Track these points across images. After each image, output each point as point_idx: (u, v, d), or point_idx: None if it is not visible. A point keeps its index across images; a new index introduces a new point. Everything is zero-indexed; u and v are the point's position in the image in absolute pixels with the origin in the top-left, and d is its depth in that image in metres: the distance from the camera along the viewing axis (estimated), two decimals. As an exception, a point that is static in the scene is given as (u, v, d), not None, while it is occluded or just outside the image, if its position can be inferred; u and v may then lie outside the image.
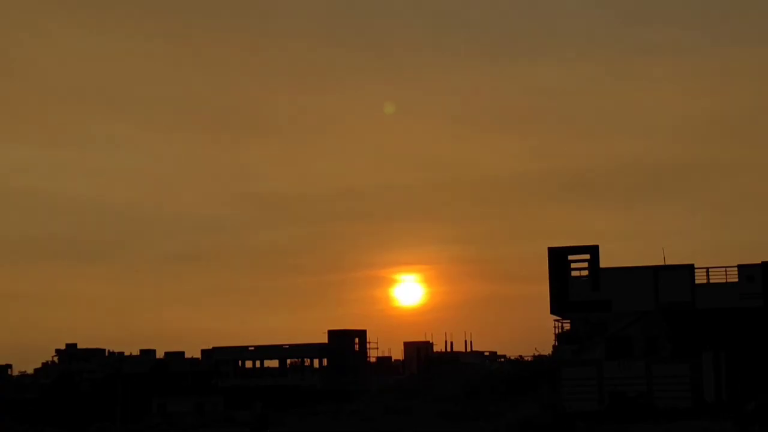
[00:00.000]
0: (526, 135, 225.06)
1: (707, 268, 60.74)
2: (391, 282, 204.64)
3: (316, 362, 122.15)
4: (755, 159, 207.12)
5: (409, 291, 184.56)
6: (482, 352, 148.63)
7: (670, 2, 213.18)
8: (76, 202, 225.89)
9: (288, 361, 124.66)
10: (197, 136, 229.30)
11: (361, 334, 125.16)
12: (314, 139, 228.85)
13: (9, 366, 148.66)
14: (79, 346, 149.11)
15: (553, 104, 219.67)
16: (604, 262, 61.72)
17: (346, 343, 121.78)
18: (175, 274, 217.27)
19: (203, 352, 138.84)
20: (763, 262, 59.88)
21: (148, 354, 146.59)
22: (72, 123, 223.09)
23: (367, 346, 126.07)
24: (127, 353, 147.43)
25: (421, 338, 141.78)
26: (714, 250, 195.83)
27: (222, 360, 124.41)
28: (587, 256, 61.86)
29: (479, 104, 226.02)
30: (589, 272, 61.62)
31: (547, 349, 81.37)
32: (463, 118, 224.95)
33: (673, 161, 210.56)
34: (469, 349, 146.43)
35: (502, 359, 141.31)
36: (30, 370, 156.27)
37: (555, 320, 66.61)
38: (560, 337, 68.21)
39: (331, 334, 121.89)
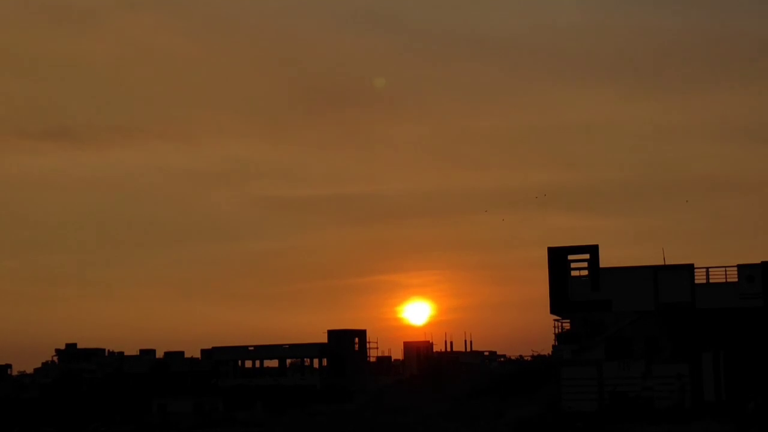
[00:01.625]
0: (527, 146, 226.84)
1: (707, 268, 60.69)
2: (394, 286, 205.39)
3: (315, 362, 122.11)
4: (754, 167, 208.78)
5: (415, 302, 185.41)
6: (482, 352, 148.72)
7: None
8: (82, 203, 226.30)
9: (288, 360, 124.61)
10: (204, 140, 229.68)
11: (361, 333, 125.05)
12: (325, 145, 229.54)
13: (9, 366, 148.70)
14: (79, 346, 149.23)
15: (552, 118, 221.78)
16: (604, 263, 61.72)
17: (345, 343, 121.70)
18: (189, 277, 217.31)
19: (203, 352, 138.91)
20: (763, 262, 59.83)
21: (148, 354, 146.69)
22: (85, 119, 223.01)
23: (367, 345, 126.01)
24: (127, 353, 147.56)
25: (421, 338, 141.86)
26: (714, 250, 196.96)
27: (222, 360, 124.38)
28: (587, 256, 61.80)
29: (486, 118, 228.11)
30: (589, 272, 61.56)
31: (546, 349, 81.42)
32: (470, 131, 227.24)
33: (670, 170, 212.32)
34: (469, 349, 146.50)
35: (502, 359, 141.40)
36: (30, 370, 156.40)
37: (555, 320, 66.63)
38: (560, 337, 68.23)
39: (331, 333, 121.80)
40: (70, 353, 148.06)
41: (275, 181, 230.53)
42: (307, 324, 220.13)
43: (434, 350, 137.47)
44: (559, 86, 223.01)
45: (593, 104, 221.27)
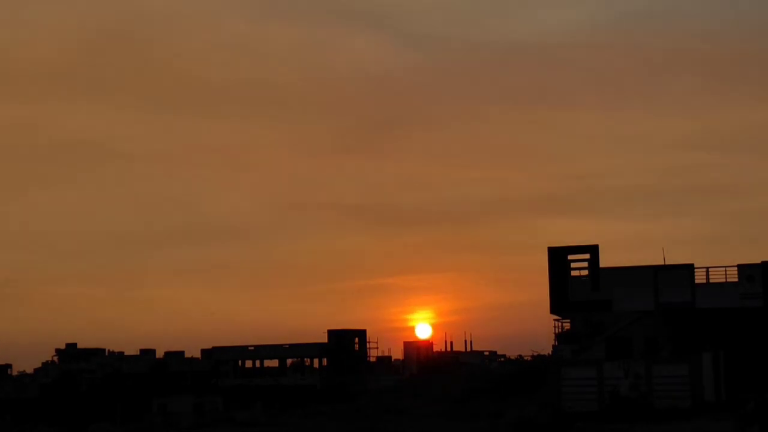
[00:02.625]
0: (530, 151, 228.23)
1: (707, 268, 60.65)
2: (397, 288, 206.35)
3: (315, 362, 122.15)
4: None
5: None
6: (482, 352, 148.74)
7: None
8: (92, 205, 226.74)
9: (288, 360, 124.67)
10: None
11: (361, 333, 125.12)
12: (334, 152, 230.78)
13: (9, 366, 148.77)
14: (79, 346, 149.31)
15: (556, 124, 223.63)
16: (604, 263, 61.69)
17: (346, 343, 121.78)
18: (194, 277, 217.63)
19: (203, 351, 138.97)
20: (763, 262, 59.79)
21: (147, 354, 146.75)
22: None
23: (367, 345, 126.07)
24: (127, 353, 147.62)
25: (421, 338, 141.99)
26: (714, 250, 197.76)
27: (222, 360, 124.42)
28: (587, 256, 61.76)
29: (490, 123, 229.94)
30: (589, 272, 61.53)
31: (546, 349, 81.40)
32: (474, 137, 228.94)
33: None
34: (469, 349, 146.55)
35: (502, 359, 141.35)
36: (30, 370, 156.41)
37: (555, 320, 66.62)
38: (560, 336, 68.25)
39: (331, 333, 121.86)
40: (70, 353, 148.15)
41: (284, 185, 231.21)
42: (311, 325, 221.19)
43: (434, 350, 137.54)
44: (564, 93, 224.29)
45: (596, 111, 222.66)
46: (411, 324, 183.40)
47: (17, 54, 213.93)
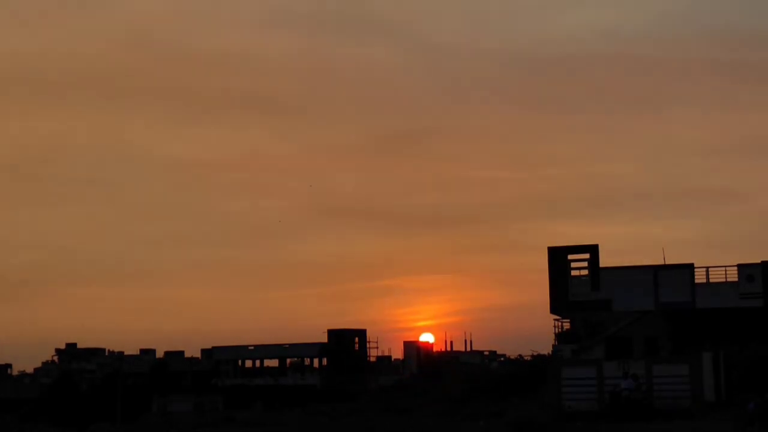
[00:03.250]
0: (529, 154, 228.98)
1: (707, 268, 60.58)
2: (397, 290, 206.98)
3: (315, 362, 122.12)
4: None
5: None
6: (482, 352, 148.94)
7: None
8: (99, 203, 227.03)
9: (288, 360, 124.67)
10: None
11: (361, 333, 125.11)
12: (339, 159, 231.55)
13: (9, 366, 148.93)
14: (79, 346, 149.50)
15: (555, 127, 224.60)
16: (604, 263, 61.67)
17: (346, 343, 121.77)
18: (195, 277, 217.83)
19: (203, 351, 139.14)
20: (763, 262, 59.73)
21: (147, 354, 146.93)
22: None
23: (367, 345, 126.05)
24: (127, 353, 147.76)
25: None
26: (714, 250, 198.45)
27: (222, 359, 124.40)
28: (587, 255, 61.71)
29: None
30: (589, 272, 61.48)
31: (547, 349, 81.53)
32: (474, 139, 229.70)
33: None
34: (469, 349, 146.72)
35: (502, 359, 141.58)
36: (30, 370, 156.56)
37: (555, 320, 66.56)
38: (560, 336, 68.24)
39: (331, 333, 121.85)
40: (70, 353, 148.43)
41: (288, 189, 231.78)
42: (311, 325, 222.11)
43: (434, 350, 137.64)
44: (565, 96, 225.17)
45: (597, 114, 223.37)
46: (411, 324, 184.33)
47: (38, 65, 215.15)
